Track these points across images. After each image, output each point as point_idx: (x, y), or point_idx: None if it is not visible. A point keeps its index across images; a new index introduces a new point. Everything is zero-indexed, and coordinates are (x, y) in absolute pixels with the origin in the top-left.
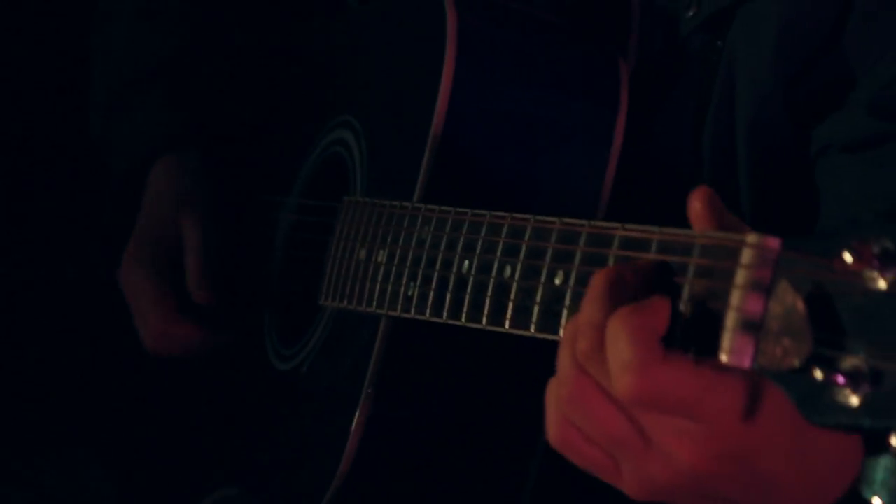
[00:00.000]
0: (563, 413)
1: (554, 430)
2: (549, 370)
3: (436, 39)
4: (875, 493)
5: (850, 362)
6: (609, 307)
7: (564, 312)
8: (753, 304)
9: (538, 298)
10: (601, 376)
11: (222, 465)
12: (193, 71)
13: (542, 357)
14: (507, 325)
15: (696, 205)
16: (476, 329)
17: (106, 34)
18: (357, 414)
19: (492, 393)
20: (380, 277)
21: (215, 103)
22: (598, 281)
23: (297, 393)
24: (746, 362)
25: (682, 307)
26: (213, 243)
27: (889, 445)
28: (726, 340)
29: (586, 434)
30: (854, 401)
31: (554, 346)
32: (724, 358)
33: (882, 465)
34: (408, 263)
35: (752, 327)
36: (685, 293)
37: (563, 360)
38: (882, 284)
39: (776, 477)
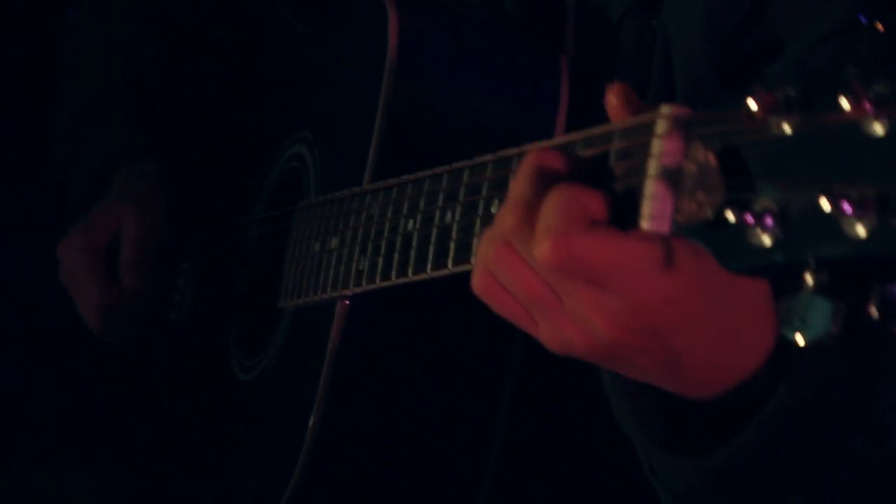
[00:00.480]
0: (487, 268)
1: (477, 279)
2: (506, 366)
3: (378, 40)
4: (796, 330)
5: (760, 203)
6: (538, 184)
7: None
8: (669, 166)
9: (477, 230)
10: (524, 250)
11: (198, 482)
12: (154, 95)
13: (500, 351)
14: (449, 266)
15: (612, 99)
16: (432, 319)
17: (71, 64)
18: (314, 411)
19: (446, 389)
20: (333, 262)
21: (176, 128)
22: (529, 158)
23: (260, 400)
24: (665, 226)
25: (608, 191)
26: (150, 241)
27: (803, 282)
28: (646, 207)
29: (507, 289)
30: (766, 240)
31: (511, 340)
32: (644, 225)
33: (798, 301)
34: (358, 240)
35: (670, 188)
36: (608, 177)
37: (493, 230)
38: (787, 129)
39: (686, 353)
